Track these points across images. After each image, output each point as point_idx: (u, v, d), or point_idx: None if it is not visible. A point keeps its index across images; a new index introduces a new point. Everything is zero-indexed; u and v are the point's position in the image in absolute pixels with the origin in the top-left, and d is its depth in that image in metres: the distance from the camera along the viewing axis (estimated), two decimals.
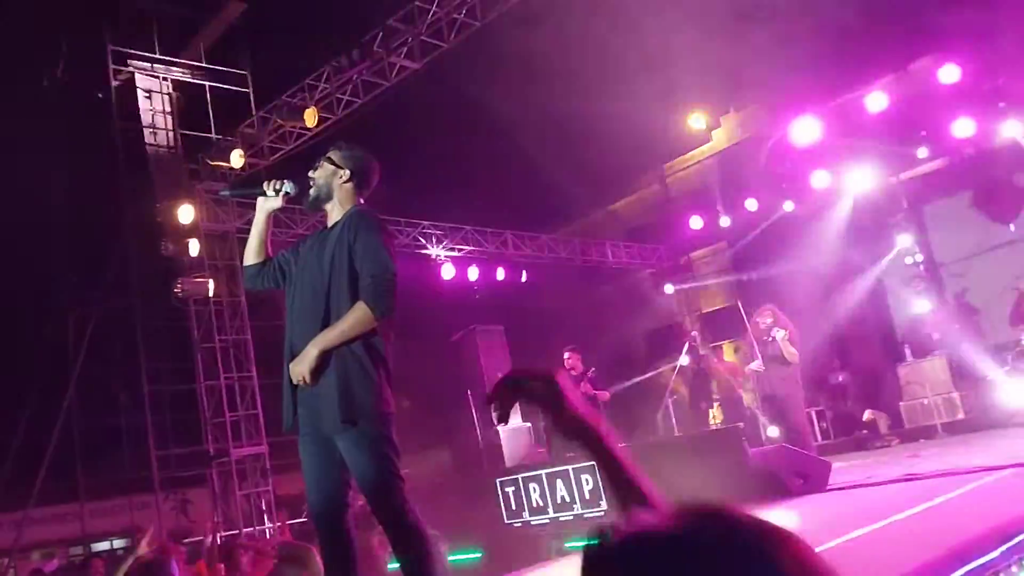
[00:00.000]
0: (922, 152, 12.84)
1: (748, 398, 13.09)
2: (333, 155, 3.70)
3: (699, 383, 13.13)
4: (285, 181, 3.75)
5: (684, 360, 12.70)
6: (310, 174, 3.70)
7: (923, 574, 2.91)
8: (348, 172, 3.67)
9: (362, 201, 3.73)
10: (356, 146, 3.79)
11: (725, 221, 15.46)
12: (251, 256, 3.82)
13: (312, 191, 3.69)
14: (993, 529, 3.28)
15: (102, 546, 15.33)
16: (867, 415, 11.97)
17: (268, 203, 3.78)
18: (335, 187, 3.66)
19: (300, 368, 3.40)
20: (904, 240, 13.41)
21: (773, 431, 8.34)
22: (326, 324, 3.43)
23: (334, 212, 3.68)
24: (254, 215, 3.86)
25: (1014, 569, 3.00)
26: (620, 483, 1.36)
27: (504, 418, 1.44)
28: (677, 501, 0.96)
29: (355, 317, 3.37)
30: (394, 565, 3.67)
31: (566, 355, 10.55)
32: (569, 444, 1.43)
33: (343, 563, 3.45)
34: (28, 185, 13.56)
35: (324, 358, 3.38)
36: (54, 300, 14.59)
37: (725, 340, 15.57)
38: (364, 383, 3.36)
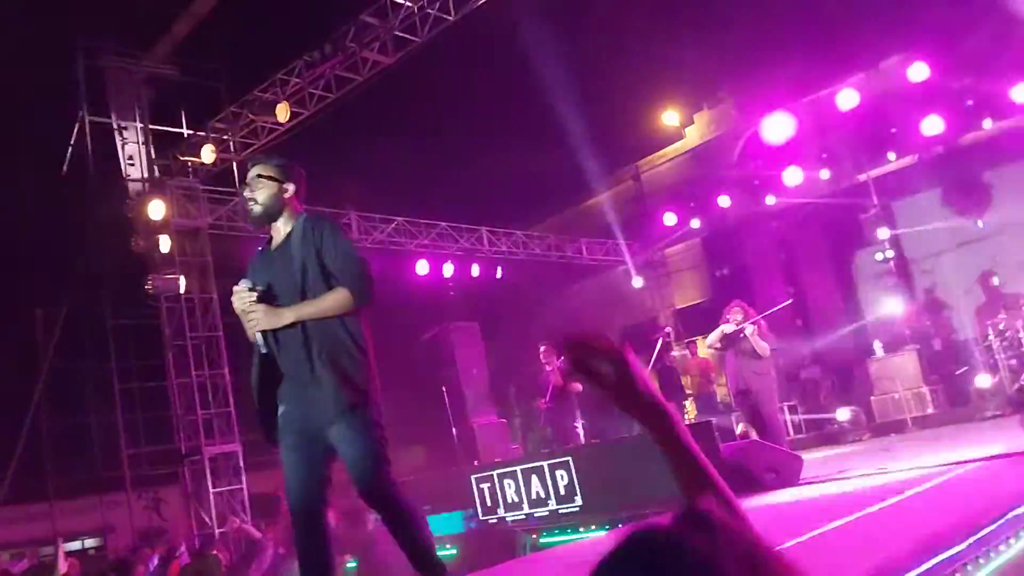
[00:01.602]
0: (892, 149, 12.98)
1: (721, 392, 13.18)
2: (269, 171, 3.70)
3: (666, 380, 13.20)
4: (244, 283, 3.58)
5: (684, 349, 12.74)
6: (248, 195, 3.70)
7: (893, 566, 2.94)
8: (292, 185, 3.72)
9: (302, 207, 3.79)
10: (280, 156, 3.85)
11: (696, 222, 15.55)
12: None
13: (259, 211, 3.68)
14: (961, 522, 3.31)
15: (73, 546, 15.15)
16: (842, 414, 12.08)
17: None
18: (284, 202, 3.70)
19: (268, 318, 3.49)
20: (874, 236, 13.54)
21: (746, 426, 8.39)
22: (306, 328, 3.49)
23: (283, 225, 3.71)
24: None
25: (981, 561, 3.04)
26: (686, 468, 1.33)
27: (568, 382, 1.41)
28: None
29: (333, 298, 3.49)
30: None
31: (542, 349, 10.55)
32: (638, 424, 1.37)
33: (320, 559, 3.51)
34: None
35: (318, 348, 3.45)
36: (22, 297, 14.37)
37: (699, 335, 15.68)
38: (359, 371, 3.49)
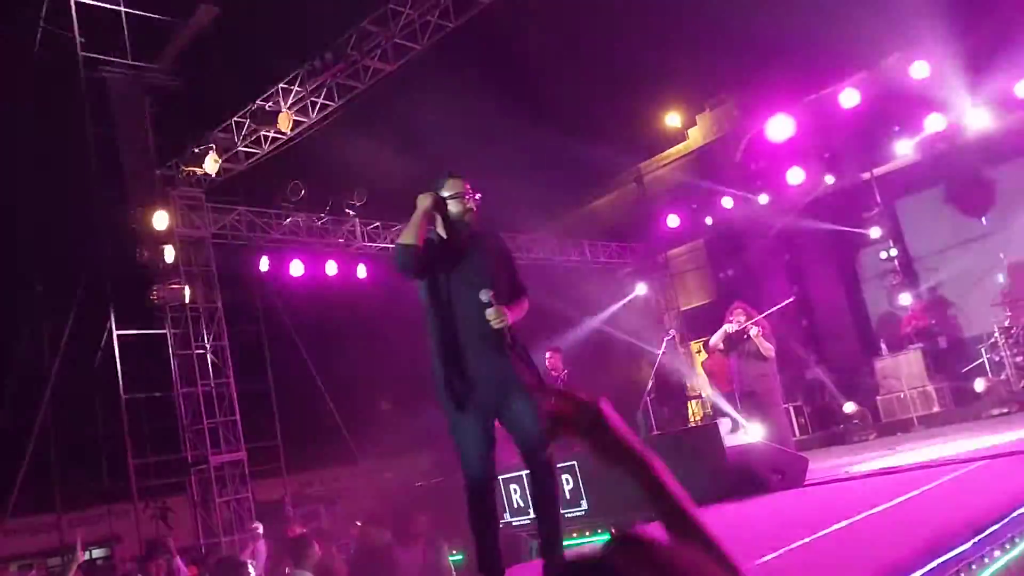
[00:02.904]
0: (895, 147, 12.97)
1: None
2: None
3: (663, 383, 13.12)
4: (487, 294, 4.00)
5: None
6: (472, 205, 4.22)
7: (899, 567, 2.94)
8: None
9: None
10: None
11: (711, 219, 15.54)
12: (415, 238, 4.14)
13: (472, 219, 4.20)
14: (966, 521, 3.31)
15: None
16: (849, 407, 12.04)
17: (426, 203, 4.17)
18: None
19: (504, 317, 3.93)
20: (878, 235, 13.52)
21: (752, 427, 8.37)
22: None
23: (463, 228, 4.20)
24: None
25: (986, 560, 3.03)
26: (670, 515, 1.35)
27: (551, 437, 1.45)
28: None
29: (524, 304, 4.16)
30: None
31: (547, 355, 10.51)
32: (614, 471, 1.40)
33: (492, 528, 3.98)
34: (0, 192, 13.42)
35: (510, 337, 3.98)
36: (28, 308, 14.40)
37: (704, 337, 15.65)
38: (532, 361, 4.11)
